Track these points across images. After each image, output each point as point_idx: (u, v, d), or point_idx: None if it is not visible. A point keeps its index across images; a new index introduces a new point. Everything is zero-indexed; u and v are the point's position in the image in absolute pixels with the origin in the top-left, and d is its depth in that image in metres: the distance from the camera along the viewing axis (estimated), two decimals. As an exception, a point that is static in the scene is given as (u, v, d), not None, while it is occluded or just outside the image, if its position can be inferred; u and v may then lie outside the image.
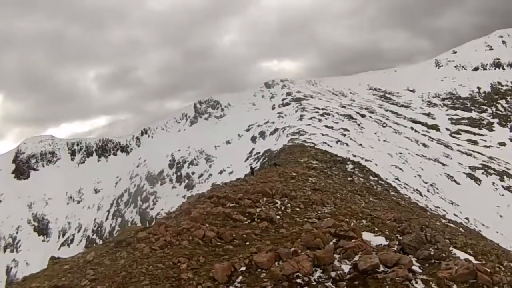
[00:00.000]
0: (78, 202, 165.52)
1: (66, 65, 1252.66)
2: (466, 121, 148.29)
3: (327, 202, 20.81)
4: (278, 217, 16.41)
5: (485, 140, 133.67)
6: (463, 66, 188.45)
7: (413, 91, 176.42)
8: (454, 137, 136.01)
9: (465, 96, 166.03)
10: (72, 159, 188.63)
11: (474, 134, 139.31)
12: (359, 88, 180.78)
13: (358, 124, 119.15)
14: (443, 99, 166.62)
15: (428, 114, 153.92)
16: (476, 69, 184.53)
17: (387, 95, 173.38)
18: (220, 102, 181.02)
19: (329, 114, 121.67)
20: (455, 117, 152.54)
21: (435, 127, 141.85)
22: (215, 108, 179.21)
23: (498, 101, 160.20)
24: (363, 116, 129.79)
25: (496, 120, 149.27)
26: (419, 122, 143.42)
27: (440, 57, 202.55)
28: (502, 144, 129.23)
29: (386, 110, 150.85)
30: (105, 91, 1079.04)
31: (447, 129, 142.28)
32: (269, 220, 15.64)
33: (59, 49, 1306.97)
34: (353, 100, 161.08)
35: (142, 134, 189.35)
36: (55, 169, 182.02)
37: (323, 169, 44.59)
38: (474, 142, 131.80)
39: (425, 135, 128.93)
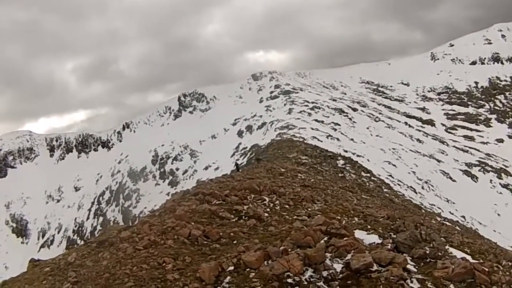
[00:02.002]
0: (58, 201, 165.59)
1: (43, 58, 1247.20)
2: (463, 117, 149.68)
3: (318, 199, 20.94)
4: (266, 214, 16.46)
5: (482, 137, 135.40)
6: (460, 60, 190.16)
7: (407, 84, 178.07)
8: (450, 132, 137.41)
9: (462, 90, 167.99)
10: (51, 156, 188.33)
11: (471, 130, 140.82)
12: (351, 81, 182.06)
13: (350, 118, 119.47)
14: (438, 94, 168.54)
15: (423, 109, 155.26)
16: (473, 63, 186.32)
17: (380, 88, 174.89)
18: (205, 94, 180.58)
19: (319, 108, 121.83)
20: (451, 112, 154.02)
21: (430, 122, 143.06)
22: (200, 101, 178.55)
23: (497, 97, 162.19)
24: (355, 110, 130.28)
25: (494, 116, 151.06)
26: (414, 117, 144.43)
27: (436, 50, 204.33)
28: (500, 140, 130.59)
29: (379, 104, 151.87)
30: (84, 84, 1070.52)
31: (443, 125, 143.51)
32: (257, 217, 15.70)
33: (35, 41, 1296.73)
34: (345, 93, 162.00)
35: (124, 129, 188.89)
36: (33, 167, 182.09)
37: (313, 164, 44.77)
38: (471, 138, 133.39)
39: (419, 130, 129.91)
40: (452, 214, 69.44)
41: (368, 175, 50.05)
